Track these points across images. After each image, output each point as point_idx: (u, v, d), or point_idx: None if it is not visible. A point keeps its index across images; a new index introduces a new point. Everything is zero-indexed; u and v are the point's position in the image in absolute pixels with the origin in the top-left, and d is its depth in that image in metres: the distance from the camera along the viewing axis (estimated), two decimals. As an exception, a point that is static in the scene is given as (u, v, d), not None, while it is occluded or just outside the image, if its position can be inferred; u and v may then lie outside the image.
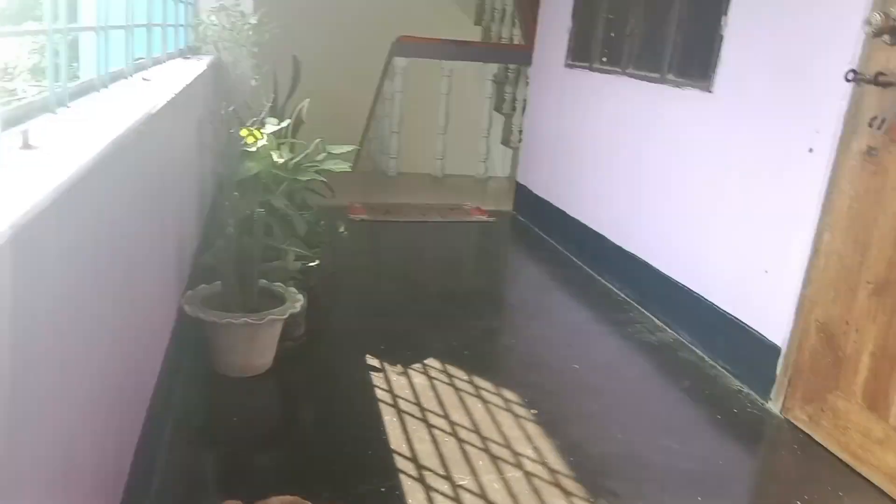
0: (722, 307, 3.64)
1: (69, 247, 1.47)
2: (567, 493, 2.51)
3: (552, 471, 2.64)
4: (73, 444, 1.50)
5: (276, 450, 2.75)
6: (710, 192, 3.79)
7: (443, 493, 2.46)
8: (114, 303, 1.98)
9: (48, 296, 1.37)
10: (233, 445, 2.72)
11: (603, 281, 4.70)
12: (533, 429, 2.91)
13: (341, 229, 4.44)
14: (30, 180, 1.29)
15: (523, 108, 6.79)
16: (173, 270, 3.18)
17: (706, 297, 3.77)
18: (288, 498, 1.70)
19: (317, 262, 3.89)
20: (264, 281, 3.37)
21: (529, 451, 2.75)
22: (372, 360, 3.40)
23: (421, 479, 2.53)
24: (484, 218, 6.02)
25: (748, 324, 3.46)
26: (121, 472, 2.03)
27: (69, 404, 1.48)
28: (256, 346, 3.16)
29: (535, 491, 2.51)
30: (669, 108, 4.17)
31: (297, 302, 3.28)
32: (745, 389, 3.36)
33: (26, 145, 1.51)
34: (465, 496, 2.45)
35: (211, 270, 3.44)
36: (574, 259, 5.11)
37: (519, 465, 2.66)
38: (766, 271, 3.37)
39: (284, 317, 3.18)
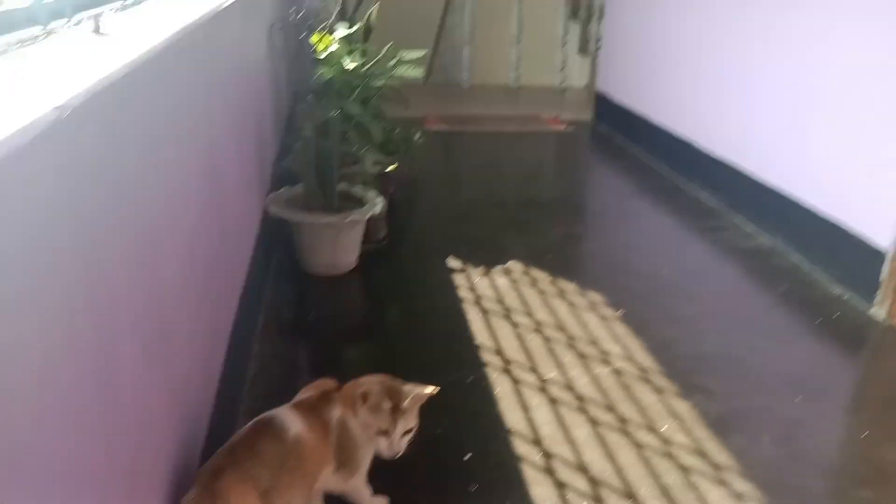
0: (821, 211, 3.43)
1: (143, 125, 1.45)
2: (658, 389, 2.45)
3: (642, 368, 2.58)
4: (167, 327, 1.52)
5: (363, 343, 2.78)
6: (809, 92, 3.52)
7: (529, 385, 2.44)
8: (201, 188, 1.98)
9: (141, 160, 1.36)
10: (322, 338, 2.77)
11: (690, 188, 4.51)
12: (620, 329, 2.84)
13: (417, 136, 4.37)
14: (102, 60, 1.25)
15: (600, 15, 6.46)
16: (255, 172, 3.19)
17: (804, 201, 3.55)
18: (379, 377, 1.70)
19: (395, 165, 3.85)
20: (344, 184, 3.35)
21: (617, 350, 2.69)
22: (453, 263, 3.38)
23: (507, 372, 2.52)
24: (562, 128, 5.84)
25: (850, 228, 3.25)
26: (216, 357, 2.07)
27: (162, 294, 1.49)
28: (340, 245, 3.17)
29: (625, 386, 2.46)
30: (762, 2, 3.86)
31: (376, 204, 3.26)
32: (847, 295, 3.19)
33: (97, 31, 1.48)
34: (553, 389, 2.43)
35: (291, 175, 3.45)
36: (658, 167, 4.91)
37: (607, 362, 2.61)
38: (871, 174, 3.13)
39: (365, 217, 3.17)
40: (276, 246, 3.28)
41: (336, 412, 1.66)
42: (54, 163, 0.92)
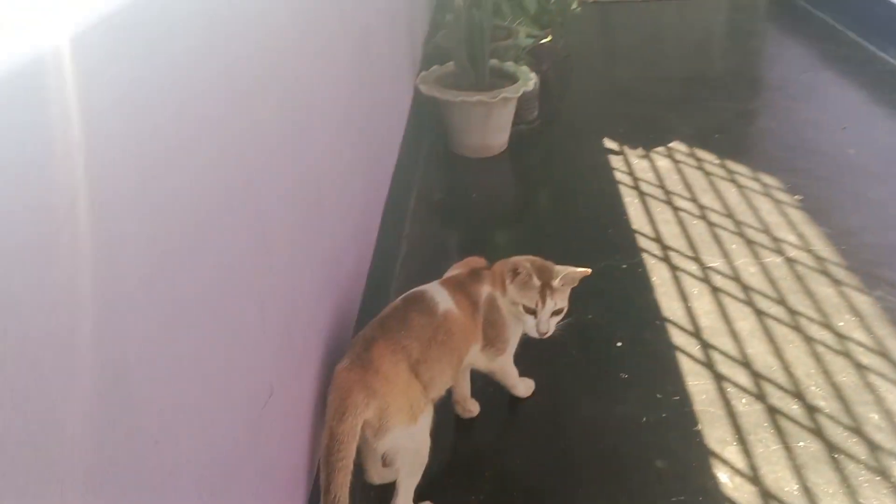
0: None
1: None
2: (836, 282, 2.23)
3: (819, 258, 2.34)
4: (321, 199, 1.53)
5: (513, 226, 2.73)
6: None
7: (690, 273, 2.30)
8: (354, 66, 1.95)
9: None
10: (472, 220, 2.74)
11: (887, 57, 3.93)
12: (797, 215, 2.58)
13: (574, 6, 4.08)
14: None
15: None
16: (406, 51, 3.12)
17: None
18: (529, 258, 1.64)
19: (549, 38, 3.64)
20: (495, 60, 3.21)
21: (792, 238, 2.45)
22: (610, 144, 3.19)
23: (666, 259, 2.38)
24: (737, -7, 5.22)
25: None
26: (369, 234, 2.11)
27: (316, 166, 1.49)
28: (491, 125, 3.07)
29: (798, 277, 2.25)
30: None
31: (529, 80, 3.10)
32: None
33: None
34: (716, 278, 2.27)
35: (442, 53, 3.35)
36: (850, 33, 4.30)
37: (779, 251, 2.39)
38: None
39: (517, 95, 3.03)
40: (428, 127, 3.24)
41: (485, 289, 1.63)
42: (225, 30, 0.91)
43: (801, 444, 1.68)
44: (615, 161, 3.04)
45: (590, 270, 1.62)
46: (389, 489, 1.49)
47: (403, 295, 1.58)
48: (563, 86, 3.77)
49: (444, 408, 1.71)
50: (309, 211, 1.38)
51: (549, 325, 1.59)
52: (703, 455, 1.66)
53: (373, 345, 1.39)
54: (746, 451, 1.67)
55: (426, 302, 1.53)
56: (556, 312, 1.60)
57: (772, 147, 3.15)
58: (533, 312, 1.58)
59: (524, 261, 1.60)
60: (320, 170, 1.50)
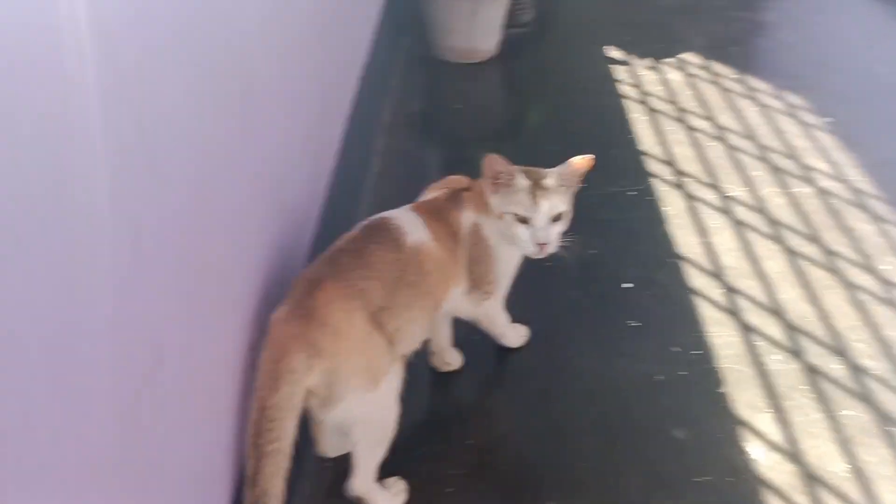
0: None
1: None
2: (876, 218, 1.91)
3: (855, 190, 2.02)
4: (253, 87, 1.16)
5: (502, 142, 2.36)
6: None
7: (708, 203, 1.97)
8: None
9: None
10: (455, 134, 2.37)
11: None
12: (827, 140, 2.24)
13: None
14: None
15: None
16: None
17: None
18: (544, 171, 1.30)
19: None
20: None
21: (823, 165, 2.13)
22: (613, 53, 2.80)
23: (679, 186, 2.04)
24: None
25: None
26: (327, 145, 1.74)
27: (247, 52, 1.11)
28: (478, 26, 2.66)
29: (833, 211, 1.94)
30: None
31: (525, -25, 2.68)
32: None
33: None
34: (738, 209, 1.94)
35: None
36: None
37: (809, 180, 2.06)
38: None
39: (511, -9, 2.62)
40: (406, 28, 2.81)
41: (468, 216, 1.29)
42: None
43: (847, 412, 1.39)
44: (619, 72, 2.66)
45: (592, 157, 1.28)
46: (349, 461, 1.18)
47: (363, 223, 1.23)
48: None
49: (419, 359, 1.39)
50: (228, 102, 0.99)
51: (549, 235, 1.25)
52: (730, 424, 1.37)
53: (319, 288, 1.05)
54: (783, 419, 1.38)
55: (392, 232, 1.18)
56: (555, 219, 1.26)
57: (794, 63, 2.78)
58: (526, 221, 1.25)
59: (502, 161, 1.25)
60: (250, 54, 1.11)
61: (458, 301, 1.32)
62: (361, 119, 2.02)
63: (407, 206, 1.27)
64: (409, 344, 1.20)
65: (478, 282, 1.31)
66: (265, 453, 0.92)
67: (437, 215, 1.26)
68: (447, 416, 1.43)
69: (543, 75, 2.73)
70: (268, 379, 0.96)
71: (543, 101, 2.57)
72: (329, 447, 1.23)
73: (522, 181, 1.24)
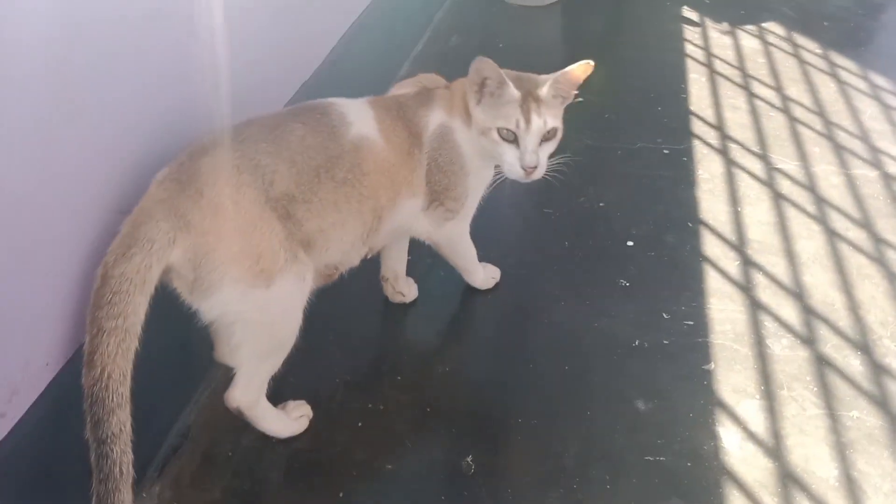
0: None
1: None
2: (949, 214, 1.64)
3: (931, 181, 1.74)
4: None
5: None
6: None
7: (750, 173, 1.73)
8: None
9: None
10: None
11: None
12: (911, 125, 1.95)
13: None
14: None
15: None
16: None
17: None
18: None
19: None
20: None
21: (895, 150, 1.85)
22: (690, 13, 2.55)
23: (723, 151, 1.81)
24: None
25: None
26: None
27: None
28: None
29: (895, 199, 1.67)
30: None
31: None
32: None
33: None
34: (784, 183, 1.70)
35: None
36: None
37: (876, 164, 1.79)
38: None
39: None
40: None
41: (436, 116, 1.12)
42: None
43: (854, 414, 1.17)
44: (690, 33, 2.42)
45: (591, 62, 1.10)
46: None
47: (300, 104, 1.09)
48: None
49: (367, 281, 1.26)
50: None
51: (539, 157, 1.09)
52: (706, 405, 1.17)
53: (206, 153, 0.91)
54: (772, 409, 1.17)
55: (329, 117, 1.03)
56: (546, 138, 1.09)
57: (893, 45, 2.46)
58: (514, 140, 1.08)
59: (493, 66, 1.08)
60: None
61: (414, 217, 1.16)
62: (384, 43, 1.88)
63: (363, 98, 1.12)
64: (338, 254, 1.05)
65: (439, 195, 1.15)
66: (105, 329, 0.79)
67: (396, 112, 1.10)
68: (383, 347, 1.29)
69: (607, 25, 2.52)
70: (120, 244, 0.83)
71: (595, 48, 2.35)
72: (225, 352, 1.09)
73: (513, 91, 1.07)
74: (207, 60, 1.08)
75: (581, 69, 1.10)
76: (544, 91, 1.08)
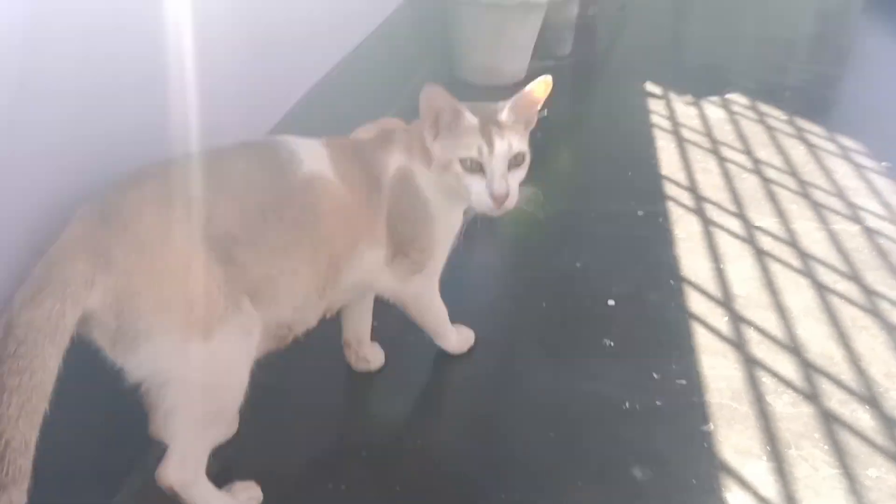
0: None
1: None
2: (935, 264, 1.58)
3: (912, 233, 1.70)
4: None
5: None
6: None
7: (729, 231, 1.67)
8: None
9: None
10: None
11: None
12: (883, 183, 1.93)
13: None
14: None
15: None
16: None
17: None
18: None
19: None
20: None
21: (874, 206, 1.81)
22: (653, 88, 2.57)
23: (698, 211, 1.76)
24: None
25: None
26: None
27: None
28: (505, 42, 2.48)
29: (881, 252, 1.61)
30: None
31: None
32: None
33: None
34: (765, 240, 1.64)
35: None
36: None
37: (855, 219, 1.75)
38: None
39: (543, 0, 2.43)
40: (432, 45, 2.67)
41: (396, 158, 1.05)
42: None
43: (873, 472, 1.05)
44: (655, 104, 2.43)
45: (549, 78, 1.04)
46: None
47: (245, 140, 1.00)
48: (613, 35, 3.17)
49: (328, 346, 1.14)
50: None
51: (509, 188, 1.00)
52: (710, 469, 1.05)
53: (134, 185, 0.81)
54: (782, 471, 1.05)
55: (277, 153, 0.95)
56: (514, 164, 1.02)
57: (855, 110, 2.49)
58: (479, 170, 1.00)
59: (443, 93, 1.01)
60: None
61: (377, 271, 1.06)
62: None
63: (318, 139, 1.04)
64: (289, 309, 0.94)
65: (404, 246, 1.06)
66: (6, 387, 0.67)
67: (353, 153, 1.03)
68: (346, 420, 1.16)
69: (572, 103, 2.51)
70: (29, 287, 0.71)
71: (563, 123, 2.33)
72: (160, 423, 0.95)
73: (470, 118, 1.01)
74: (174, 93, 1.01)
75: (540, 87, 1.05)
76: (504, 115, 1.02)
